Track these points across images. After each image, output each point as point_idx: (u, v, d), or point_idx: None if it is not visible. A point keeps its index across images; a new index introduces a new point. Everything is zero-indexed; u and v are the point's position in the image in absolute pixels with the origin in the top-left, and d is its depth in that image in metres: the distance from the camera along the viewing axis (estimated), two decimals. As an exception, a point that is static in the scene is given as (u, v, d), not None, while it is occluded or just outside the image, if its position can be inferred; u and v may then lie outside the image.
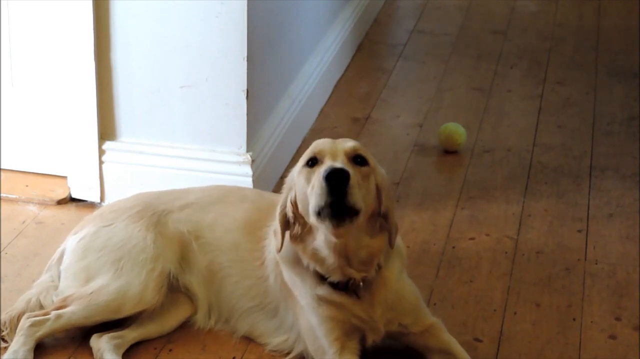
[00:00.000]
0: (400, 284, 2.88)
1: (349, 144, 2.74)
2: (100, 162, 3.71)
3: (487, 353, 3.00)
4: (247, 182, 3.60)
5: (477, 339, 3.06)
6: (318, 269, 2.79)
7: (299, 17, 4.21)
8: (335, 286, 2.80)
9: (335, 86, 4.75)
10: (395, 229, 2.79)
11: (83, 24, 3.55)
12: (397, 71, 4.97)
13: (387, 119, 4.49)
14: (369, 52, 5.17)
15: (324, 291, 2.80)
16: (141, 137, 3.68)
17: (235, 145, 3.62)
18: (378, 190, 2.75)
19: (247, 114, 3.58)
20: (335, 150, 2.72)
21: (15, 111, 3.82)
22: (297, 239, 2.79)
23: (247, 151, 3.62)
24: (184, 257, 3.05)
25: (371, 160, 2.75)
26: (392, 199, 2.81)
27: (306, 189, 2.70)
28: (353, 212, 2.64)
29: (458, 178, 4.01)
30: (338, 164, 2.65)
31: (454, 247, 3.54)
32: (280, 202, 2.81)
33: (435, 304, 3.21)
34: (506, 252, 3.51)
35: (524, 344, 3.05)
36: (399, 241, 2.90)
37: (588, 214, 3.76)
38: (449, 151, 4.19)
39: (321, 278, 2.80)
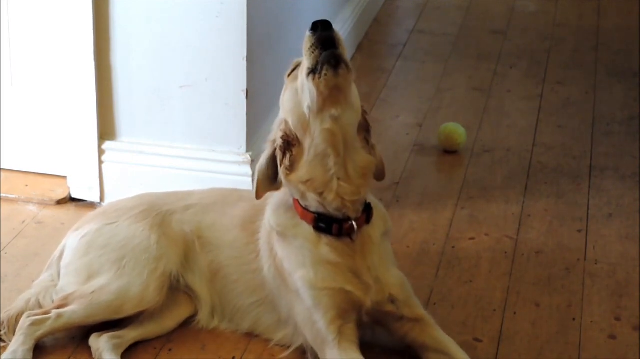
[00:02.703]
0: (385, 250, 2.92)
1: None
2: (100, 162, 3.71)
3: (487, 353, 3.00)
4: (246, 182, 3.60)
5: (476, 339, 3.06)
6: (314, 193, 2.79)
7: (298, 16, 4.21)
8: (330, 230, 2.82)
9: (335, 86, 4.74)
10: (381, 160, 2.88)
11: (83, 23, 3.55)
12: (396, 71, 4.97)
13: (387, 119, 4.49)
14: (368, 52, 5.18)
15: (324, 248, 2.82)
16: (141, 137, 3.68)
17: (235, 145, 3.62)
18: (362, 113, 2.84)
19: (247, 114, 3.59)
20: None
21: (15, 111, 3.82)
22: (290, 170, 2.81)
23: (247, 150, 3.62)
24: (188, 257, 3.05)
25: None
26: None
27: (295, 91, 2.76)
28: (347, 65, 2.70)
29: (458, 178, 4.01)
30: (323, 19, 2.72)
31: (453, 247, 3.54)
32: (269, 140, 2.86)
33: (435, 304, 3.21)
34: (506, 252, 3.51)
35: (524, 344, 3.05)
36: (382, 206, 2.96)
37: (588, 214, 3.76)
38: (448, 151, 4.19)
39: (318, 229, 2.83)
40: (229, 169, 3.63)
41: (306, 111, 2.73)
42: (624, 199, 3.87)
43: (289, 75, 2.83)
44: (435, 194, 3.88)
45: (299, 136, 2.78)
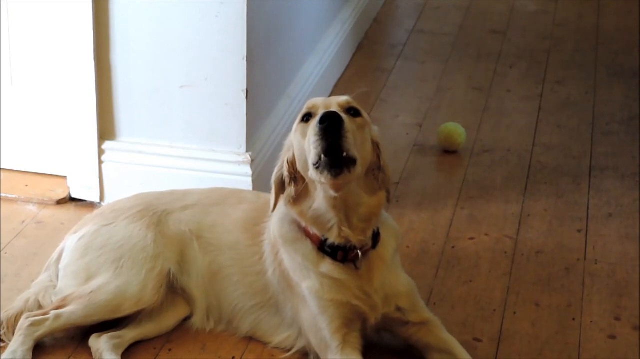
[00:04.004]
0: (395, 263, 2.92)
1: (342, 97, 2.81)
2: (100, 162, 3.71)
3: (487, 353, 3.00)
4: (246, 182, 3.60)
5: (476, 339, 3.06)
6: (317, 231, 2.80)
7: (298, 16, 4.21)
8: (334, 255, 2.81)
9: (335, 86, 4.75)
10: (389, 180, 2.85)
11: (83, 23, 3.55)
12: (396, 71, 4.97)
13: (387, 119, 4.49)
14: (368, 52, 5.18)
15: (325, 267, 2.82)
16: (141, 137, 3.68)
17: (235, 145, 3.62)
18: (374, 143, 2.80)
19: (247, 114, 3.59)
20: (329, 103, 2.79)
21: (15, 111, 3.82)
22: (293, 201, 2.82)
23: (247, 150, 3.62)
24: (184, 257, 3.05)
25: (365, 114, 2.81)
26: (386, 155, 2.85)
27: (303, 143, 2.75)
28: (350, 161, 2.67)
29: (457, 178, 4.01)
30: (331, 109, 2.71)
31: (453, 247, 3.54)
32: (277, 164, 2.86)
33: (434, 304, 3.21)
34: (506, 252, 3.51)
35: (524, 344, 3.05)
36: (393, 222, 2.96)
37: (588, 214, 3.76)
38: (448, 151, 4.19)
39: (322, 250, 2.82)
40: (229, 169, 3.62)
41: (311, 166, 2.71)
42: (624, 199, 3.87)
43: (301, 121, 2.80)
44: (435, 194, 3.88)
45: (303, 175, 2.79)
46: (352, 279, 2.83)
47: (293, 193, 2.81)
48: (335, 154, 2.65)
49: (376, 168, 2.81)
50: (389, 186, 2.85)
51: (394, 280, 2.89)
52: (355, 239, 2.80)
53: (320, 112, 2.72)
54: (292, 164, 2.81)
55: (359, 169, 2.70)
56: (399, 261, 2.96)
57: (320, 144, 2.66)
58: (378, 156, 2.81)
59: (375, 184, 2.81)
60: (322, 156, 2.66)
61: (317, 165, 2.67)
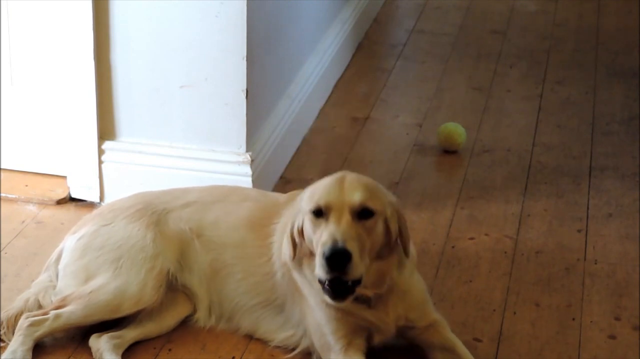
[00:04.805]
0: (411, 281, 2.89)
1: (355, 197, 2.71)
2: (100, 162, 3.71)
3: (487, 353, 3.00)
4: (246, 182, 3.60)
5: (476, 339, 3.06)
6: None
7: (298, 16, 4.21)
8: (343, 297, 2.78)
9: (335, 86, 4.75)
10: (407, 240, 2.80)
11: (83, 23, 3.55)
12: (396, 71, 4.97)
13: (387, 119, 4.49)
14: (368, 52, 5.17)
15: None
16: (141, 137, 3.68)
17: (235, 145, 3.62)
18: (387, 226, 2.76)
19: (247, 114, 3.58)
20: (341, 206, 2.70)
21: (15, 111, 3.82)
22: (295, 261, 2.84)
23: (247, 150, 3.62)
24: (185, 255, 3.05)
25: (379, 204, 2.74)
26: (403, 221, 2.80)
27: (312, 235, 2.74)
28: (355, 283, 2.69)
29: (457, 178, 4.01)
30: (339, 240, 2.64)
31: (453, 247, 3.54)
32: (290, 222, 2.82)
33: (434, 304, 3.20)
34: (505, 252, 3.51)
35: (524, 344, 3.05)
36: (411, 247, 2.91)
37: (587, 214, 3.76)
38: (448, 151, 4.19)
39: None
40: (229, 169, 3.62)
41: (317, 266, 2.69)
42: (624, 199, 3.87)
43: (311, 212, 2.75)
44: (435, 194, 3.88)
45: (310, 248, 2.78)
46: (365, 310, 2.83)
47: (305, 252, 2.80)
48: (339, 284, 2.66)
49: (386, 244, 2.78)
50: (407, 250, 2.81)
51: (409, 299, 2.87)
52: (369, 293, 2.80)
53: (330, 225, 2.67)
54: (301, 233, 2.79)
55: (364, 274, 2.69)
56: (414, 275, 2.92)
57: (325, 273, 2.66)
58: (389, 235, 2.77)
59: (386, 250, 2.79)
60: (327, 282, 2.67)
61: (322, 284, 2.69)
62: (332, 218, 2.69)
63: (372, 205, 2.73)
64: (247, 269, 3.01)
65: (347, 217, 2.69)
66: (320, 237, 2.69)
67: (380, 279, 2.79)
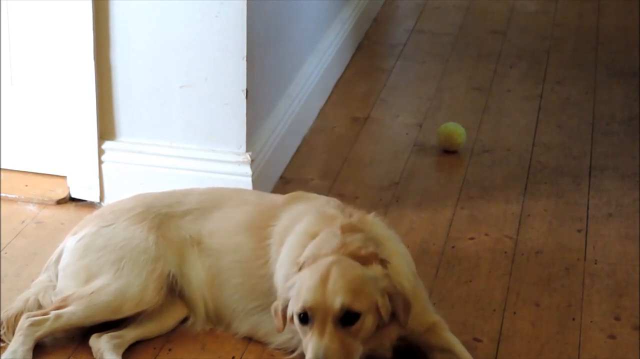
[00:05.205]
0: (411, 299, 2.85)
1: (337, 302, 2.64)
2: (100, 162, 3.71)
3: (487, 353, 3.00)
4: (246, 182, 3.60)
5: (476, 339, 3.06)
6: None
7: (298, 16, 4.21)
8: None
9: (335, 86, 4.75)
10: (406, 315, 2.74)
11: (82, 23, 3.55)
12: (396, 71, 4.97)
13: (387, 119, 4.49)
14: (368, 52, 5.17)
15: None
16: (141, 137, 3.68)
17: (235, 145, 3.62)
18: (379, 312, 2.70)
19: (247, 114, 3.58)
20: (325, 313, 2.64)
21: (15, 111, 3.82)
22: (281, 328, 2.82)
23: (247, 150, 3.62)
24: (184, 261, 3.04)
25: (365, 303, 2.66)
26: (399, 301, 2.73)
27: (301, 335, 2.71)
28: None
29: (457, 178, 4.01)
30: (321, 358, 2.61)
31: (453, 247, 3.54)
32: (282, 297, 2.78)
33: (434, 304, 3.20)
34: (505, 252, 3.51)
35: (524, 344, 3.05)
36: (403, 257, 2.88)
37: (587, 213, 3.76)
38: (448, 151, 4.19)
39: None
40: (229, 169, 3.62)
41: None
42: (624, 199, 3.87)
43: (297, 315, 2.71)
44: (435, 194, 3.88)
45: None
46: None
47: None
48: None
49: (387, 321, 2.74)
50: (406, 322, 2.75)
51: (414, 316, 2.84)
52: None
53: (313, 338, 2.63)
54: (292, 319, 2.76)
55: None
56: (413, 275, 2.90)
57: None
58: (380, 316, 2.71)
59: (382, 325, 2.75)
60: None
61: None
62: (316, 329, 2.64)
63: (356, 307, 2.65)
64: (244, 272, 3.00)
65: (330, 329, 2.63)
66: (307, 346, 2.66)
67: (379, 346, 2.79)
